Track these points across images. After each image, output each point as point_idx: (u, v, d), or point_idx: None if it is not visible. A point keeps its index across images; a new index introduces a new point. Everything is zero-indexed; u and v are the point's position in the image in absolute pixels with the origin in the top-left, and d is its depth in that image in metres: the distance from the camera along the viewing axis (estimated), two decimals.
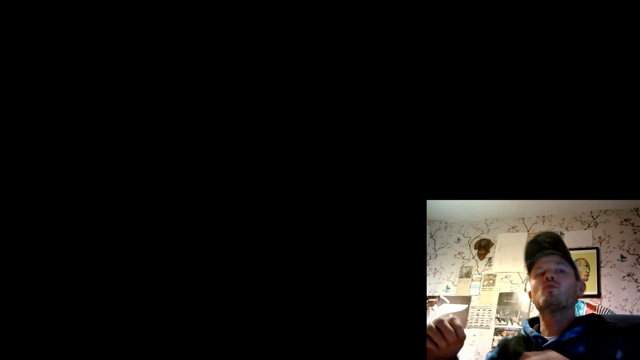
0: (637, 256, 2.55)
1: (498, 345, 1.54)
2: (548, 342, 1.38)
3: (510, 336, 1.61)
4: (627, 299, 2.47)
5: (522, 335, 1.48)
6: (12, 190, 1.58)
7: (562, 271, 1.47)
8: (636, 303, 2.44)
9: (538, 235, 1.54)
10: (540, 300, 1.44)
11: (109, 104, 1.62)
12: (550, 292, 1.42)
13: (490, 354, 1.53)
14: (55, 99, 1.61)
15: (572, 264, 1.51)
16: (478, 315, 2.81)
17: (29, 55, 1.61)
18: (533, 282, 1.50)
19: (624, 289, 2.49)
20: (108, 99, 1.62)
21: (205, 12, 1.63)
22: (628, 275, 2.52)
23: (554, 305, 1.42)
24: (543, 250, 1.50)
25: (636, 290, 2.47)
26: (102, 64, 1.62)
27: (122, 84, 1.62)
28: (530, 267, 1.53)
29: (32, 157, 1.59)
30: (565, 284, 1.45)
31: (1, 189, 1.58)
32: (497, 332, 2.71)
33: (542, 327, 1.46)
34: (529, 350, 1.39)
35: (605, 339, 1.34)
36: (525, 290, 2.73)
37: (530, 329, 1.46)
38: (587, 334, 1.36)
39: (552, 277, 1.44)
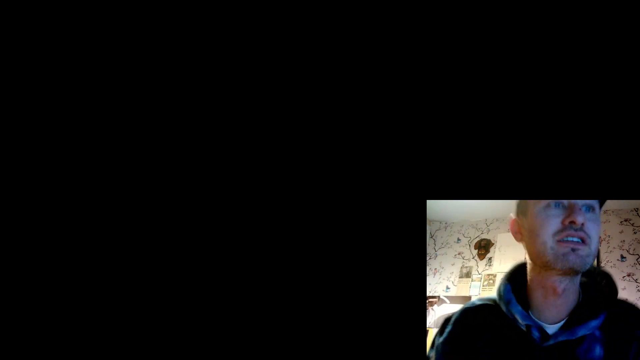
0: (637, 256, 2.55)
1: (452, 322, 1.04)
2: (550, 342, 0.92)
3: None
4: (627, 299, 2.47)
5: (500, 307, 0.98)
6: (12, 190, 1.58)
7: (591, 209, 0.95)
8: (636, 303, 2.44)
9: None
10: (550, 256, 0.92)
11: (109, 104, 1.62)
12: (575, 250, 0.91)
13: (440, 338, 1.04)
14: (55, 99, 1.61)
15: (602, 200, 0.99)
16: None
17: (29, 55, 1.61)
18: (536, 214, 0.95)
19: (624, 289, 2.49)
20: (108, 99, 1.62)
21: (205, 12, 1.63)
22: (628, 275, 2.52)
23: (575, 271, 0.93)
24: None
25: (636, 290, 2.47)
26: (102, 64, 1.62)
27: (122, 84, 1.62)
28: None
29: (32, 157, 1.59)
30: (595, 236, 0.94)
31: (1, 189, 1.58)
32: None
33: (533, 297, 0.97)
34: (512, 338, 0.92)
35: (627, 336, 0.92)
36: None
37: (520, 308, 0.95)
38: (605, 328, 0.93)
39: (582, 225, 0.92)
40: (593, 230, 0.94)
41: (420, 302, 1.59)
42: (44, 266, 1.57)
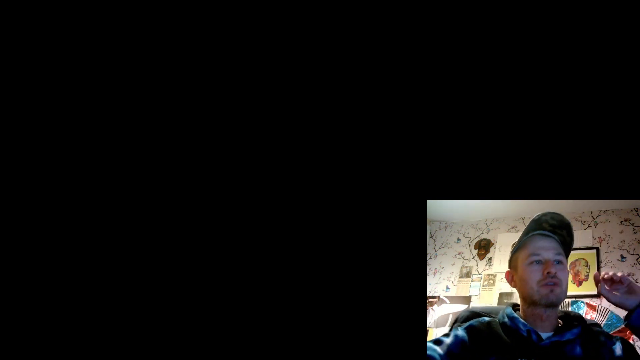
0: (637, 256, 2.55)
1: (464, 328, 1.35)
2: (545, 341, 1.30)
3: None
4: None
5: (504, 323, 1.34)
6: (12, 190, 1.58)
7: (560, 262, 1.34)
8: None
9: (543, 214, 1.36)
10: (537, 296, 1.31)
11: (109, 104, 1.62)
12: (552, 291, 1.30)
13: (457, 332, 1.33)
14: (55, 99, 1.61)
15: (567, 253, 1.38)
16: None
17: (29, 56, 1.61)
18: (524, 269, 1.34)
19: None
20: (108, 99, 1.62)
21: (205, 12, 1.63)
22: (628, 275, 2.52)
23: (554, 305, 1.33)
24: (540, 230, 1.35)
25: None
26: (102, 64, 1.62)
27: (122, 84, 1.62)
28: (519, 247, 1.37)
29: (32, 157, 1.59)
30: (564, 279, 1.33)
31: (1, 189, 1.58)
32: None
33: (524, 319, 1.34)
34: (516, 342, 1.28)
35: (599, 341, 1.31)
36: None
37: (523, 321, 1.33)
38: (582, 335, 1.32)
39: (555, 274, 1.31)
40: (562, 277, 1.33)
41: (420, 302, 1.59)
42: (44, 266, 1.57)
